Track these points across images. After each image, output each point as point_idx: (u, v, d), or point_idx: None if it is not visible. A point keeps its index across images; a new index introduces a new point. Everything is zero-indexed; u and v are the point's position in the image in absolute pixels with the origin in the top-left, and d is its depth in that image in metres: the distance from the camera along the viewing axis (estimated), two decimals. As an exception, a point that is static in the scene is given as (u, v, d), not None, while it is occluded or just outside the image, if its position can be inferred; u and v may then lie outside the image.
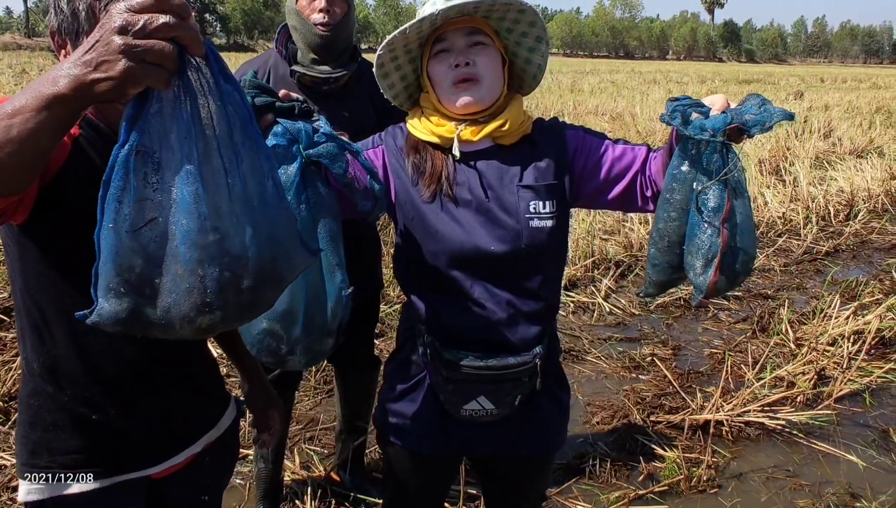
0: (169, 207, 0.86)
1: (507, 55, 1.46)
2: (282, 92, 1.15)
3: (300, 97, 1.19)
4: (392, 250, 5.56)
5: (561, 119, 1.56)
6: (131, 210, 0.85)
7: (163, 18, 0.78)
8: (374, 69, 1.44)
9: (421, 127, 1.45)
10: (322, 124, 1.15)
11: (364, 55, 2.27)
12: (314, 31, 2.07)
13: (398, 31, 1.35)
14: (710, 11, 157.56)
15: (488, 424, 1.48)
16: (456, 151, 1.40)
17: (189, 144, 0.85)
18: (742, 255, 1.27)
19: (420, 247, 1.44)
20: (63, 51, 1.20)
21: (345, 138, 1.17)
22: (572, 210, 1.57)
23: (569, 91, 19.94)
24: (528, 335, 1.46)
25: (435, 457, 1.57)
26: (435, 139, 1.43)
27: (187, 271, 0.87)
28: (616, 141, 1.48)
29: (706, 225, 1.25)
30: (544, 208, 1.41)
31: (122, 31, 0.77)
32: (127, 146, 0.84)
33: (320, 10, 2.06)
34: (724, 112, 1.22)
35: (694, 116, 1.24)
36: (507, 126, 1.41)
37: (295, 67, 2.11)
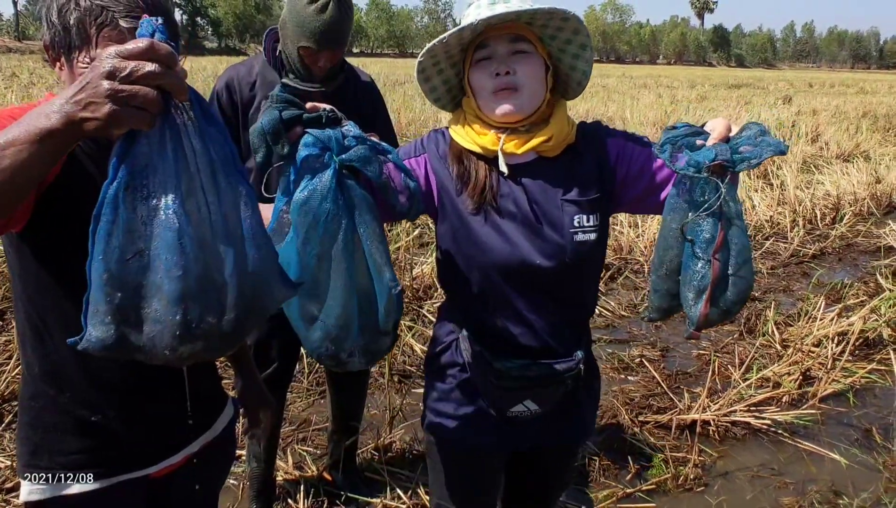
0: (154, 240, 0.92)
1: (551, 61, 1.44)
2: (309, 104, 1.16)
3: (327, 107, 1.20)
4: (396, 248, 5.48)
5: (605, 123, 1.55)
6: (120, 243, 0.91)
7: (149, 67, 0.83)
8: (416, 74, 1.43)
9: (464, 135, 1.43)
10: (351, 128, 1.16)
11: (355, 59, 2.32)
12: (310, 75, 2.17)
13: (438, 39, 1.35)
14: (700, 16, 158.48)
15: (531, 420, 1.51)
16: (503, 168, 1.39)
17: (174, 181, 0.91)
18: (736, 287, 1.25)
19: (465, 257, 1.44)
20: (57, 64, 1.22)
21: (375, 139, 1.18)
22: None
23: (560, 95, 19.98)
24: (570, 340, 1.48)
25: (484, 453, 1.59)
26: (478, 149, 1.41)
27: (170, 304, 0.92)
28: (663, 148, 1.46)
29: (697, 257, 1.24)
30: (588, 221, 1.40)
31: (110, 76, 0.82)
32: (115, 183, 0.90)
33: (319, 66, 2.15)
34: (712, 146, 1.20)
35: (696, 144, 1.23)
36: (552, 141, 1.39)
37: (286, 81, 2.17)
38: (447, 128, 1.49)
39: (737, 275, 1.24)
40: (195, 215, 0.93)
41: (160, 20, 0.88)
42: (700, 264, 1.24)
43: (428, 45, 1.36)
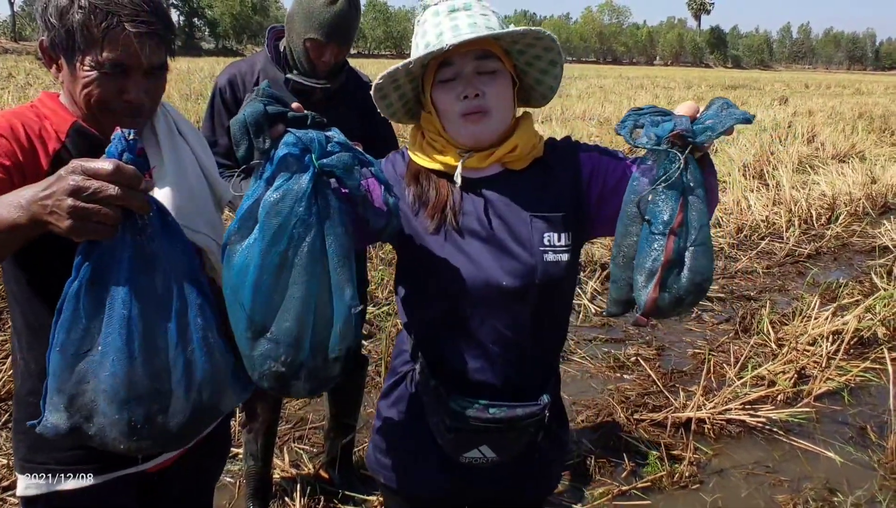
0: (107, 338, 0.99)
1: (516, 73, 1.35)
2: (294, 104, 1.13)
3: (314, 113, 1.16)
4: (377, 250, 5.49)
5: (566, 135, 1.46)
6: (77, 337, 0.98)
7: (112, 190, 0.88)
8: (372, 93, 1.33)
9: (423, 154, 1.34)
10: (335, 134, 1.10)
11: (352, 60, 2.34)
12: (315, 70, 2.18)
13: (401, 64, 1.27)
14: (697, 17, 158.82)
15: (488, 468, 1.38)
16: (458, 178, 1.29)
17: (129, 285, 0.98)
18: (691, 272, 1.15)
19: (425, 281, 1.34)
20: (55, 66, 1.22)
21: (359, 148, 1.11)
22: None
23: (557, 96, 19.76)
24: (535, 379, 1.37)
25: (434, 502, 1.46)
26: (439, 166, 1.32)
27: (114, 403, 0.99)
28: (634, 161, 1.35)
29: (653, 237, 1.15)
30: (559, 240, 1.29)
31: (74, 193, 0.87)
32: (77, 281, 0.97)
33: (324, 60, 2.16)
34: (672, 119, 1.14)
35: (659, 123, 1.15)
36: (517, 150, 1.30)
37: (290, 76, 2.18)
38: (406, 148, 1.41)
39: (693, 260, 1.15)
40: (147, 319, 1.00)
41: (132, 134, 0.93)
42: (655, 245, 1.15)
43: (389, 70, 1.27)
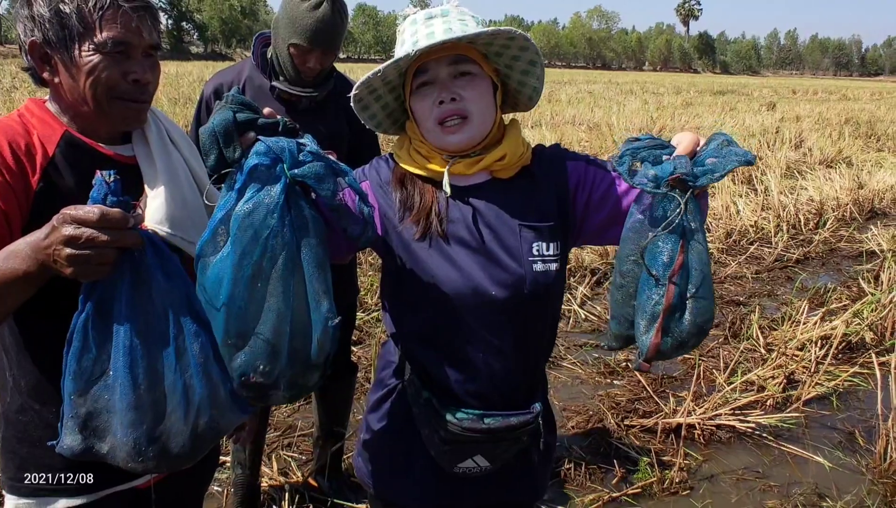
0: (115, 364, 1.04)
1: (499, 78, 1.33)
2: (266, 109, 1.10)
3: (286, 118, 1.14)
4: (366, 256, 5.48)
5: (557, 143, 1.43)
6: (88, 365, 1.04)
7: (102, 237, 0.95)
8: (352, 104, 1.32)
9: (409, 159, 1.32)
10: (308, 142, 1.07)
11: (342, 65, 2.33)
12: (299, 75, 2.16)
13: (372, 73, 1.25)
14: (685, 23, 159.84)
15: (480, 477, 1.37)
16: (447, 187, 1.27)
17: (131, 315, 1.04)
18: (692, 316, 1.13)
19: (412, 290, 1.31)
20: (48, 67, 1.19)
21: (332, 158, 1.09)
22: None
23: (546, 101, 20.09)
24: (525, 387, 1.36)
25: None
26: (425, 173, 1.31)
27: (123, 426, 1.06)
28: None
29: (653, 281, 1.13)
30: (548, 250, 1.28)
31: (69, 242, 0.95)
32: (84, 314, 1.03)
33: (309, 65, 2.14)
34: (672, 160, 1.12)
35: (660, 158, 1.14)
36: (505, 159, 1.29)
37: (275, 84, 2.16)
38: (391, 154, 1.39)
39: (694, 303, 1.13)
40: (148, 346, 1.05)
41: (112, 176, 0.98)
42: (655, 290, 1.13)
43: (363, 78, 1.25)
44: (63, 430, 1.08)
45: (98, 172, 0.98)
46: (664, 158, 1.13)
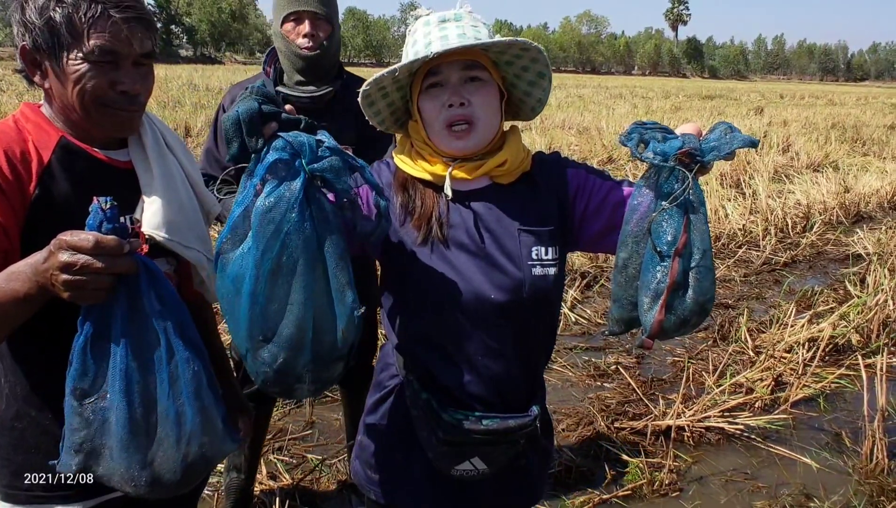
0: (112, 386, 1.06)
1: (505, 86, 1.36)
2: (287, 107, 1.11)
3: (308, 118, 1.14)
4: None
5: (551, 148, 1.46)
6: (86, 386, 1.07)
7: (97, 264, 0.97)
8: (359, 99, 1.33)
9: (411, 162, 1.34)
10: (325, 138, 1.09)
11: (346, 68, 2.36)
12: (299, 53, 2.15)
13: (387, 71, 1.26)
14: (674, 28, 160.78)
15: (477, 481, 1.37)
16: (448, 191, 1.29)
17: (126, 339, 1.06)
18: (695, 294, 1.17)
19: (412, 293, 1.32)
20: (39, 72, 1.19)
21: (349, 153, 1.10)
22: None
23: (536, 105, 20.15)
24: (523, 390, 1.37)
25: None
26: (426, 176, 1.32)
27: (118, 448, 1.07)
28: (620, 182, 1.36)
29: (658, 258, 1.16)
30: (547, 254, 1.30)
31: (65, 269, 0.97)
32: (82, 337, 1.06)
33: (304, 35, 2.14)
34: (680, 136, 1.15)
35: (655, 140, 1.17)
36: (506, 165, 1.31)
37: (279, 88, 2.18)
38: (391, 158, 1.41)
39: (697, 279, 1.16)
40: (143, 371, 1.07)
41: (108, 203, 1.00)
42: (660, 267, 1.16)
43: (375, 76, 1.27)
44: (63, 449, 1.10)
45: (95, 199, 0.99)
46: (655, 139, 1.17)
